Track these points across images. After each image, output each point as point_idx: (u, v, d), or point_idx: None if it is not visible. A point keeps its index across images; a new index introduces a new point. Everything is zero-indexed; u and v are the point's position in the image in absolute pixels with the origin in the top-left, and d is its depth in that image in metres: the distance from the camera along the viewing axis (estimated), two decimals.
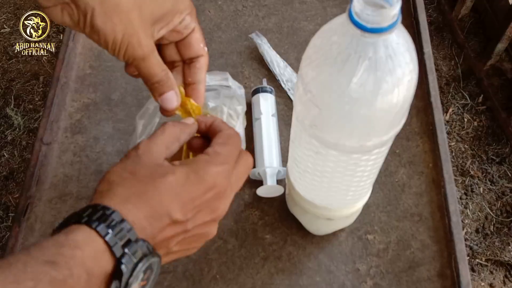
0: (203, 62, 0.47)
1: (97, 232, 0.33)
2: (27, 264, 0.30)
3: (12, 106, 1.71)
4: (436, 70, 1.56)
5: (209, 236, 0.41)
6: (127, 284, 0.33)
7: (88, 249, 0.32)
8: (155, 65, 0.42)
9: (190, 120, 0.43)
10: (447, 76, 1.72)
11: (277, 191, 0.61)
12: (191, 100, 0.46)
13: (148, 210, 0.36)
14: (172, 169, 0.38)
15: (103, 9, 0.39)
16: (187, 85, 0.47)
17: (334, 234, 0.61)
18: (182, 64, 0.48)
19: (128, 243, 0.34)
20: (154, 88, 0.44)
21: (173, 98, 0.44)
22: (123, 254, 0.34)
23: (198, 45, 0.46)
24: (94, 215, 0.34)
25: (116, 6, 0.39)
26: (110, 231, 0.33)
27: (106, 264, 0.33)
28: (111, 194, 0.36)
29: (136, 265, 0.34)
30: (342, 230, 0.62)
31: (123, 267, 0.33)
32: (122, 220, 0.34)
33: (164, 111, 0.45)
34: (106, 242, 0.33)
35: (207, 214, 0.39)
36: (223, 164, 0.39)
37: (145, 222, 0.36)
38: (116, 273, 0.33)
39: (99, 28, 0.39)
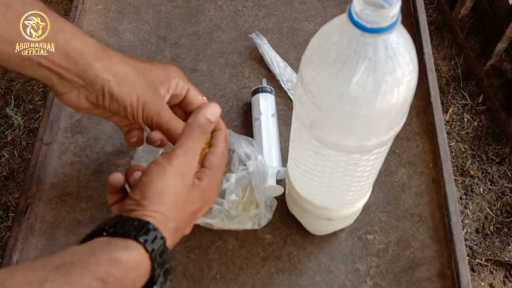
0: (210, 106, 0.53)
1: (150, 257, 0.37)
2: (83, 277, 0.33)
3: (12, 106, 1.71)
4: (436, 70, 1.56)
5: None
6: None
7: (133, 273, 0.36)
8: (172, 117, 0.49)
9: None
10: (447, 76, 1.72)
11: (277, 191, 0.61)
12: None
13: (179, 234, 0.43)
14: (195, 200, 0.44)
15: (117, 79, 0.46)
16: None
17: (334, 234, 0.61)
18: None
19: (162, 267, 0.38)
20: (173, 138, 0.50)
21: None
22: (159, 277, 0.38)
23: (196, 99, 0.53)
24: (149, 236, 0.37)
25: (126, 75, 0.47)
26: (157, 255, 0.38)
27: (139, 285, 0.37)
28: (166, 218, 0.40)
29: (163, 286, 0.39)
30: (342, 230, 0.62)
31: None
32: (166, 246, 0.39)
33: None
34: (152, 267, 0.37)
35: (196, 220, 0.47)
36: (218, 184, 0.47)
37: (173, 243, 0.42)
38: None
39: (117, 95, 0.46)
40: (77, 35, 0.46)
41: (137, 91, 0.47)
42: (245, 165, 0.57)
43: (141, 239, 0.37)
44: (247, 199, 0.57)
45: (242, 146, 0.58)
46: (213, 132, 0.49)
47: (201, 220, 0.56)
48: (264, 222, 0.57)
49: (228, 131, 0.59)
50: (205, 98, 0.54)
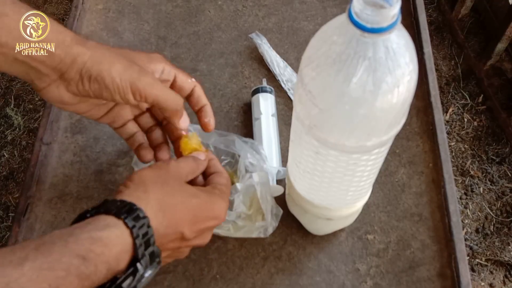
0: (198, 92, 0.53)
1: (131, 233, 0.37)
2: (63, 255, 0.34)
3: (12, 106, 1.71)
4: (436, 70, 1.56)
5: (185, 253, 0.48)
6: (138, 281, 0.38)
7: (115, 249, 0.36)
8: (169, 90, 0.48)
9: (202, 156, 0.50)
10: (447, 76, 1.72)
11: (277, 191, 0.61)
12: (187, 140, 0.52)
13: (170, 222, 0.42)
14: (197, 193, 0.45)
15: (93, 60, 0.44)
16: (197, 113, 0.53)
17: (334, 234, 0.61)
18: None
19: (147, 247, 0.38)
20: (174, 114, 0.49)
21: (186, 118, 0.51)
22: (143, 256, 0.38)
23: (186, 83, 0.52)
24: (131, 214, 0.38)
25: (103, 55, 0.45)
26: (140, 234, 0.38)
27: (124, 263, 0.37)
28: (147, 198, 0.41)
29: (148, 268, 0.39)
30: (342, 230, 0.62)
31: (140, 267, 0.38)
32: (149, 226, 0.39)
33: (175, 138, 0.54)
34: (134, 244, 0.37)
35: (204, 237, 0.47)
36: (227, 202, 0.48)
37: (164, 231, 0.41)
38: (132, 272, 0.37)
39: (96, 74, 0.44)
40: (51, 26, 0.44)
41: (117, 69, 0.45)
42: (251, 172, 0.57)
43: (122, 215, 0.37)
44: (254, 210, 0.57)
45: (248, 156, 0.58)
46: (209, 161, 0.51)
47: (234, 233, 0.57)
48: (270, 231, 0.57)
49: (234, 137, 0.59)
50: (193, 80, 0.52)
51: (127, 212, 0.38)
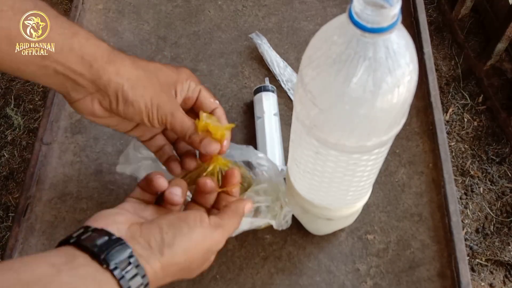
0: (220, 113, 0.53)
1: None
2: None
3: (12, 106, 1.71)
4: (436, 70, 1.56)
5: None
6: None
7: None
8: (185, 118, 0.49)
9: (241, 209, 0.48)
10: (447, 76, 1.72)
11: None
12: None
13: (176, 274, 0.41)
14: (204, 246, 0.43)
15: (130, 83, 0.46)
16: None
17: (334, 234, 0.61)
18: None
19: None
20: (192, 140, 0.49)
21: (211, 142, 0.49)
22: None
23: (208, 100, 0.52)
24: (129, 271, 0.36)
25: (138, 78, 0.47)
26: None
27: None
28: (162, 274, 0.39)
29: None
30: (342, 230, 0.62)
31: None
32: (144, 276, 0.36)
33: (205, 157, 0.51)
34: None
35: (201, 269, 0.46)
36: (227, 237, 0.46)
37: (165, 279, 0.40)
38: None
39: (132, 99, 0.46)
40: (89, 39, 0.45)
41: (150, 93, 0.47)
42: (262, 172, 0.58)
43: (118, 274, 0.35)
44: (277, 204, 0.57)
45: (259, 157, 0.58)
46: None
47: (251, 220, 0.56)
48: (290, 222, 0.58)
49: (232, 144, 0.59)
50: (217, 101, 0.53)
51: (124, 268, 0.35)
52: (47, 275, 0.32)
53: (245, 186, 0.56)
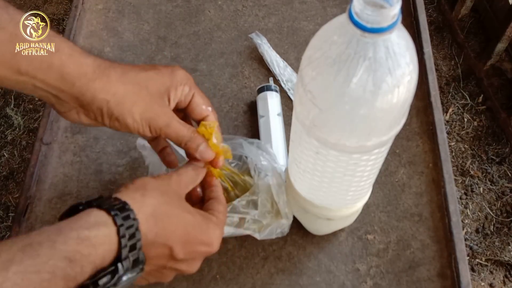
0: (211, 120, 0.52)
1: (118, 232, 0.37)
2: (50, 257, 0.33)
3: (12, 106, 1.71)
4: (436, 70, 1.56)
5: (169, 278, 0.46)
6: (115, 282, 0.37)
7: (102, 248, 0.36)
8: (181, 127, 0.48)
9: (201, 164, 0.50)
10: (447, 76, 1.72)
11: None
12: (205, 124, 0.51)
13: (161, 232, 0.41)
14: (193, 211, 0.45)
15: (116, 99, 0.45)
16: None
17: (334, 234, 0.61)
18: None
19: (132, 250, 0.37)
20: (188, 147, 0.49)
21: (207, 149, 0.49)
22: (126, 258, 0.37)
23: (200, 108, 0.51)
24: (121, 213, 0.37)
25: (125, 94, 0.45)
26: (127, 234, 0.37)
27: (108, 261, 0.37)
28: (143, 202, 0.40)
29: (128, 271, 0.38)
30: (342, 230, 0.62)
31: (120, 268, 0.37)
32: (138, 229, 0.38)
33: (212, 163, 0.51)
34: (120, 244, 0.37)
35: (192, 264, 0.46)
36: (222, 231, 0.47)
37: (152, 239, 0.40)
38: (111, 271, 0.36)
39: (118, 115, 0.45)
40: (72, 55, 0.44)
41: (140, 108, 0.46)
42: (265, 171, 0.57)
43: (113, 212, 0.37)
44: (274, 209, 0.57)
45: (261, 159, 0.58)
46: (211, 186, 0.51)
47: (233, 231, 0.56)
48: (287, 231, 0.58)
49: (241, 140, 0.59)
50: (209, 108, 0.51)
51: (118, 210, 0.38)
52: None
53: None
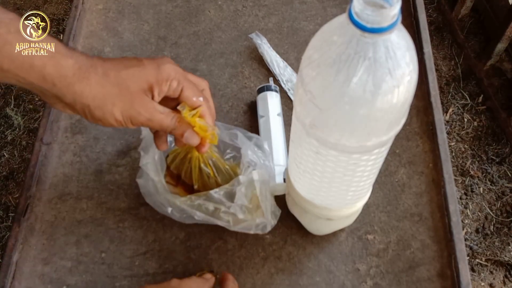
0: (203, 111, 0.52)
1: None
2: None
3: (12, 106, 1.71)
4: (436, 70, 1.56)
5: None
6: None
7: None
8: (164, 119, 0.49)
9: (208, 276, 0.54)
10: (447, 76, 1.72)
11: (284, 189, 0.61)
12: (197, 121, 0.51)
13: None
14: None
15: (96, 102, 0.46)
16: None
17: (334, 234, 0.61)
18: None
19: None
20: (174, 134, 0.50)
21: (192, 135, 0.51)
22: None
23: (190, 100, 0.51)
24: None
25: (105, 96, 0.46)
26: None
27: None
28: None
29: None
30: (342, 230, 0.62)
31: None
32: None
33: (197, 148, 0.53)
34: None
35: None
36: None
37: None
38: None
39: (100, 117, 0.47)
40: (54, 57, 0.44)
41: (120, 109, 0.47)
42: (253, 166, 0.57)
43: None
44: (254, 205, 0.57)
45: (248, 154, 0.58)
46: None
47: (206, 218, 0.56)
48: (268, 229, 0.57)
49: (237, 131, 0.59)
50: (201, 98, 0.51)
51: None
52: None
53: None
